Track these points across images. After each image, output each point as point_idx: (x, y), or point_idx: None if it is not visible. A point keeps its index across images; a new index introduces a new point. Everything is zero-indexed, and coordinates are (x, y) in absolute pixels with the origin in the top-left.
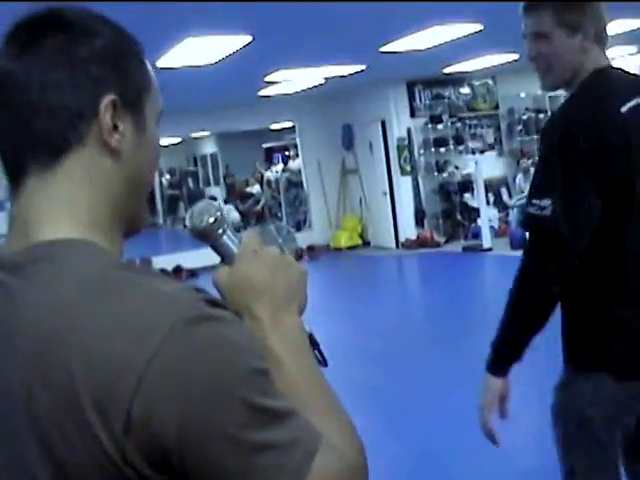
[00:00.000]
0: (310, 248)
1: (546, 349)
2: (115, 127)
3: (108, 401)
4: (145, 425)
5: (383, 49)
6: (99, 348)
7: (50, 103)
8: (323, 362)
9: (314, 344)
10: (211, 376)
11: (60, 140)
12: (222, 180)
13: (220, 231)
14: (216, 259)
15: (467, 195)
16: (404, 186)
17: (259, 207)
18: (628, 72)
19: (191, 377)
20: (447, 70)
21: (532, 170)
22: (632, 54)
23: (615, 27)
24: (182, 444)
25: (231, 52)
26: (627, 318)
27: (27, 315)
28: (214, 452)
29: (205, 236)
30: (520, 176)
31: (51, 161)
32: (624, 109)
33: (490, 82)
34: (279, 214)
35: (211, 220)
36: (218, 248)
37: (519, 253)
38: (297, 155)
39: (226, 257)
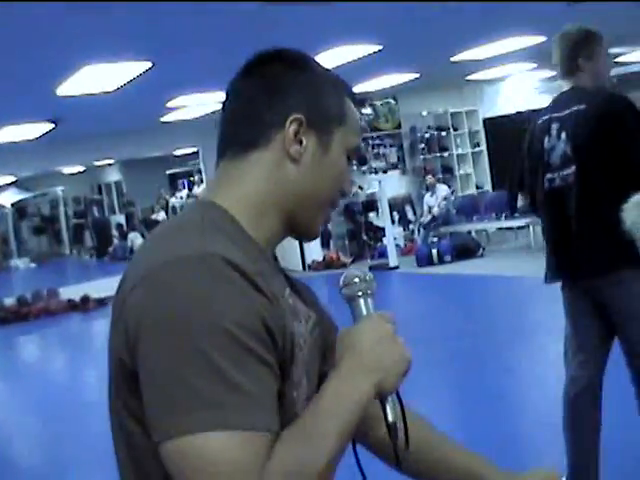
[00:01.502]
0: None
1: None
2: (299, 141)
3: (126, 325)
4: (128, 340)
5: None
6: (128, 284)
7: (251, 113)
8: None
9: (393, 433)
10: (154, 310)
11: (252, 140)
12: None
13: (360, 293)
14: None
15: (372, 215)
16: None
17: None
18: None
19: (144, 308)
20: None
21: (438, 186)
22: (530, 70)
23: (514, 44)
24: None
25: (131, 78)
26: None
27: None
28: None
29: (350, 298)
30: (427, 194)
31: (241, 153)
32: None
33: (392, 101)
34: None
35: (360, 278)
36: (353, 308)
37: (425, 270)
38: (202, 180)
39: (355, 317)
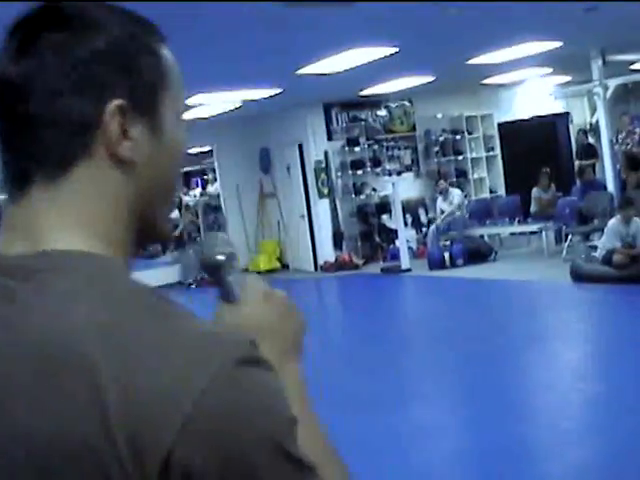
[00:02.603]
0: None
1: None
2: (125, 134)
3: (145, 440)
4: (184, 469)
5: (299, 72)
6: (141, 380)
7: (51, 112)
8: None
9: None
10: (258, 424)
11: (64, 151)
12: None
13: (230, 268)
14: None
15: (385, 217)
16: (322, 209)
17: (177, 232)
18: None
19: (239, 424)
20: (364, 92)
21: (451, 190)
22: (546, 75)
23: (530, 48)
24: None
25: None
26: None
27: (39, 327)
28: None
29: (215, 270)
30: (440, 197)
31: (57, 172)
32: None
33: (407, 104)
34: (198, 239)
35: (225, 254)
36: (224, 285)
37: (437, 274)
38: (215, 179)
39: (230, 296)
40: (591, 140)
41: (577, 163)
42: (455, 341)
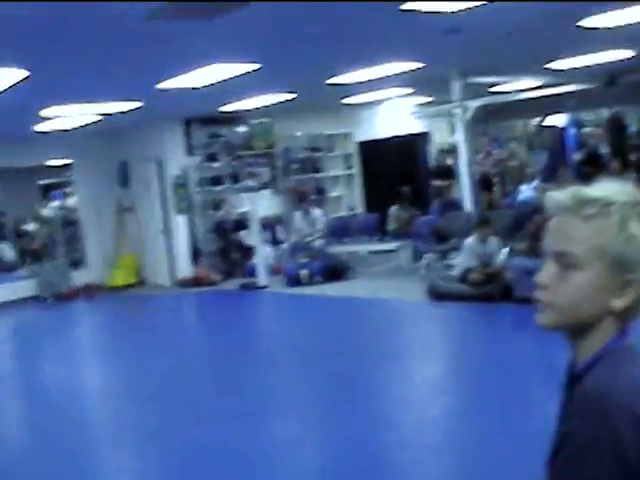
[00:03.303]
0: (87, 287)
1: None
2: None
3: None
4: None
5: (160, 86)
6: None
7: None
8: None
9: None
10: None
11: None
12: None
13: None
14: None
15: (243, 233)
16: (180, 224)
17: (35, 245)
18: None
19: None
20: (224, 108)
21: (312, 210)
22: (407, 95)
23: (391, 69)
24: None
25: (5, 87)
26: None
27: None
28: None
29: None
30: (299, 215)
31: None
32: None
33: (267, 121)
34: (56, 252)
35: None
36: None
37: (294, 291)
38: (74, 193)
39: None
40: (449, 160)
41: (434, 183)
42: (314, 358)
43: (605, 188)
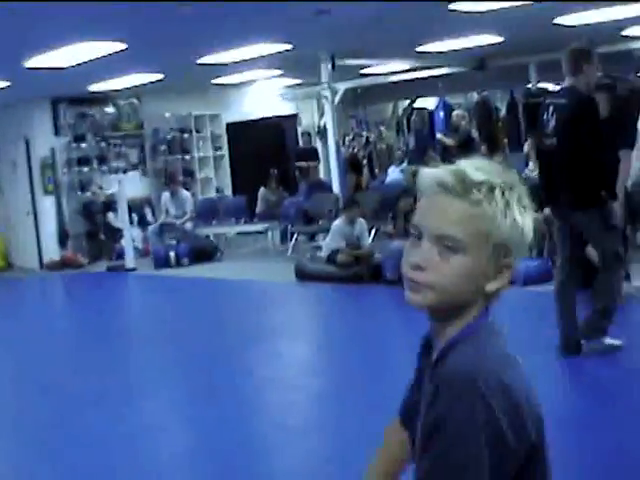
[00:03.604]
0: None
1: None
2: None
3: None
4: None
5: (28, 65)
6: None
7: None
8: None
9: None
10: None
11: None
12: None
13: None
14: None
15: (111, 215)
16: (47, 206)
17: None
18: None
19: None
20: (93, 89)
21: (181, 192)
22: (275, 77)
23: (260, 50)
24: None
25: None
26: None
27: None
28: None
29: None
30: (167, 196)
31: None
32: None
33: (135, 101)
34: None
35: None
36: None
37: (162, 273)
38: None
39: None
40: (316, 143)
41: (298, 164)
42: (181, 340)
43: (485, 170)
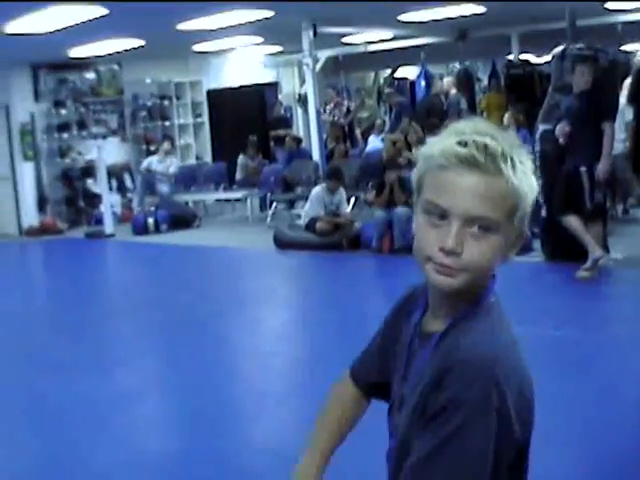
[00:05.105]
0: None
1: None
2: None
3: None
4: None
5: (6, 31)
6: None
7: None
8: None
9: None
10: None
11: None
12: None
13: None
14: None
15: (90, 181)
16: (27, 172)
17: None
18: None
19: None
20: (73, 54)
21: (170, 158)
22: (257, 44)
23: (241, 17)
24: None
25: None
26: None
27: None
28: None
29: None
30: (156, 160)
31: None
32: None
33: (115, 67)
34: None
35: None
36: None
37: (141, 239)
38: None
39: None
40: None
41: (272, 133)
42: (159, 307)
43: (493, 136)
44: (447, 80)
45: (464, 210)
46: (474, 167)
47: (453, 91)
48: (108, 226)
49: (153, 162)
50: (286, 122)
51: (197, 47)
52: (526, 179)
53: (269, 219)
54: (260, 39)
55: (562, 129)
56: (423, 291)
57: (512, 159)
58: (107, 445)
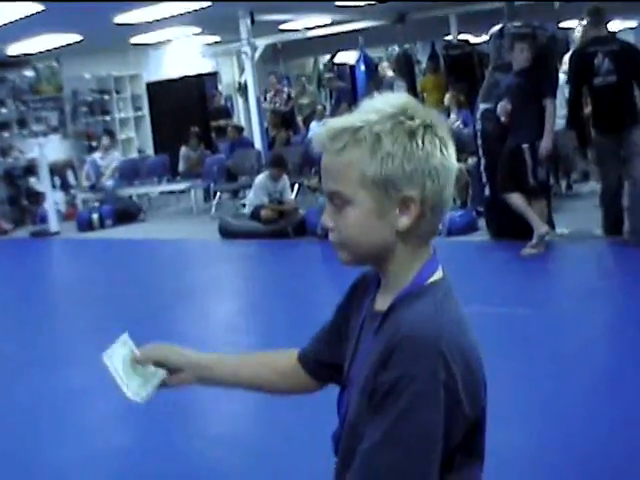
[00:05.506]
0: None
1: None
2: None
3: None
4: None
5: None
6: None
7: None
8: None
9: None
10: None
11: None
12: None
13: None
14: None
15: (33, 179)
16: None
17: None
18: None
19: None
20: (10, 51)
21: (111, 152)
22: (194, 35)
23: (178, 7)
24: None
25: None
26: None
27: None
28: None
29: None
30: (98, 156)
31: None
32: None
33: (54, 64)
34: None
35: None
36: None
37: (86, 235)
38: None
39: None
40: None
41: (212, 123)
42: (107, 302)
43: (357, 113)
44: (382, 65)
45: (325, 188)
46: (323, 148)
47: (389, 74)
48: (53, 224)
49: (97, 159)
50: (227, 112)
51: (135, 39)
52: (382, 145)
53: (213, 209)
54: (198, 29)
55: (503, 107)
56: (375, 275)
57: (366, 130)
58: (62, 441)
